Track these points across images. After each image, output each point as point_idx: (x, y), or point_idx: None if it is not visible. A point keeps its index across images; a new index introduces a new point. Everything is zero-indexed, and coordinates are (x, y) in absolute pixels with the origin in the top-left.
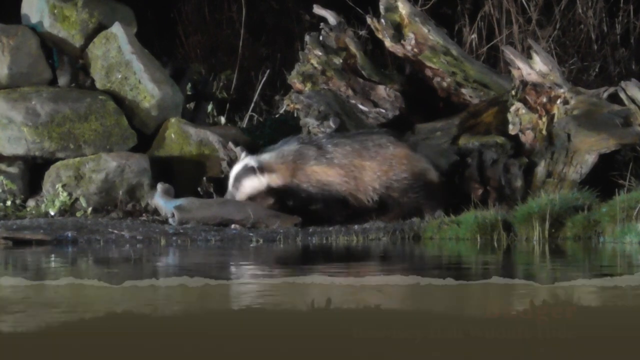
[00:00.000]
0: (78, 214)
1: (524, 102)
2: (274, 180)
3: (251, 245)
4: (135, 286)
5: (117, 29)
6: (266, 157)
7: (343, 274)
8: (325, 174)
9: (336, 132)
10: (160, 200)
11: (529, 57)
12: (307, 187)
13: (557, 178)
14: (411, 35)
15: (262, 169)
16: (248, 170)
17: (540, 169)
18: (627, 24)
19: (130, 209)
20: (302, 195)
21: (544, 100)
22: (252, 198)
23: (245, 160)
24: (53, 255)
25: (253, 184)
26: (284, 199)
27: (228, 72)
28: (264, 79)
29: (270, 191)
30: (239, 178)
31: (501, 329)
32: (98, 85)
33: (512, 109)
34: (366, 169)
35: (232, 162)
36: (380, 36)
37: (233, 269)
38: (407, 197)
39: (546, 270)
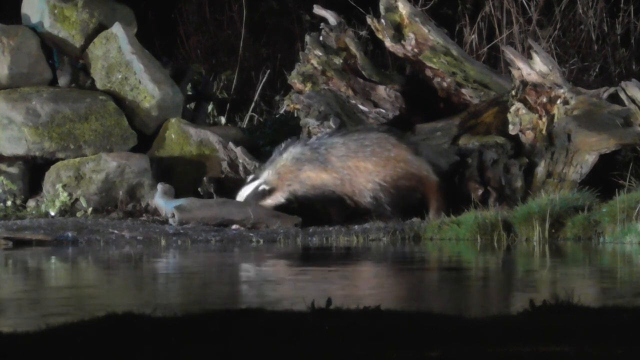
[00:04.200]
0: (78, 214)
1: (524, 102)
2: (277, 198)
3: (251, 245)
4: None
5: (117, 29)
6: (267, 175)
7: None
8: (319, 177)
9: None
10: (161, 201)
11: (529, 57)
12: (302, 194)
13: (557, 178)
14: (411, 36)
15: (272, 190)
16: (259, 193)
17: (541, 169)
18: (627, 24)
19: (131, 209)
20: (300, 201)
21: (544, 100)
22: None
23: (255, 183)
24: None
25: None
26: (288, 208)
27: (228, 72)
28: (265, 79)
29: (277, 208)
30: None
31: None
32: (98, 85)
33: (512, 109)
34: (361, 169)
35: (232, 163)
36: (380, 36)
37: None
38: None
39: None
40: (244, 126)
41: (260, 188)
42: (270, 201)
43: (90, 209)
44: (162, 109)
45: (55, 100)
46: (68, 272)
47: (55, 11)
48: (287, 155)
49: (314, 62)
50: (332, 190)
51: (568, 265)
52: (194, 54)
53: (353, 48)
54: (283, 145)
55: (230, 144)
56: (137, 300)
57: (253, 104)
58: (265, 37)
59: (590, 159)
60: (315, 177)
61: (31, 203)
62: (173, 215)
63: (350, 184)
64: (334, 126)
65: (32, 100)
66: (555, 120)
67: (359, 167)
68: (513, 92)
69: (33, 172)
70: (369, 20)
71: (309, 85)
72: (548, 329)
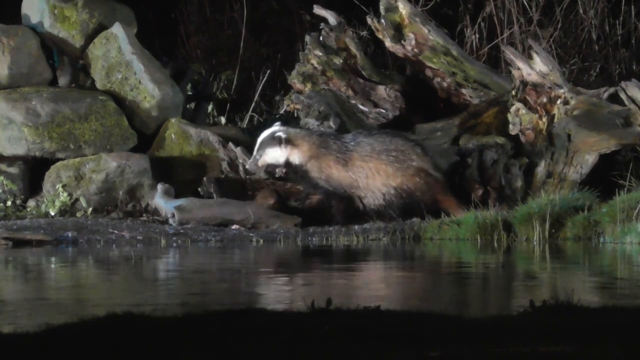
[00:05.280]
0: (78, 214)
1: (524, 102)
2: (293, 156)
3: (251, 245)
4: None
5: (117, 29)
6: (295, 130)
7: None
8: (338, 173)
9: (357, 132)
10: (161, 201)
11: (530, 57)
12: (315, 177)
13: (557, 178)
14: (411, 36)
15: (288, 140)
16: (274, 140)
17: (541, 169)
18: (628, 25)
19: (131, 209)
20: (309, 182)
21: (544, 100)
22: (269, 168)
23: (275, 128)
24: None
25: (275, 155)
26: (292, 177)
27: (228, 72)
28: (265, 79)
29: (286, 166)
30: (264, 145)
31: None
32: (98, 85)
33: (513, 109)
34: (380, 173)
35: (232, 163)
36: (380, 36)
37: None
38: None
39: None
40: (244, 126)
41: (277, 134)
42: (281, 152)
43: (90, 209)
44: (162, 109)
45: (55, 100)
46: (68, 272)
47: (55, 11)
48: (320, 136)
49: (314, 62)
50: (344, 189)
51: (567, 265)
52: (194, 54)
53: (353, 48)
54: (318, 129)
55: (230, 144)
56: (137, 300)
57: (253, 104)
58: (266, 37)
59: (590, 159)
60: (334, 171)
61: (31, 203)
62: (173, 215)
63: (365, 186)
64: (334, 126)
65: (32, 100)
66: (555, 120)
67: (379, 170)
68: (513, 92)
69: (33, 172)
70: (369, 20)
71: (309, 85)
72: (548, 329)
